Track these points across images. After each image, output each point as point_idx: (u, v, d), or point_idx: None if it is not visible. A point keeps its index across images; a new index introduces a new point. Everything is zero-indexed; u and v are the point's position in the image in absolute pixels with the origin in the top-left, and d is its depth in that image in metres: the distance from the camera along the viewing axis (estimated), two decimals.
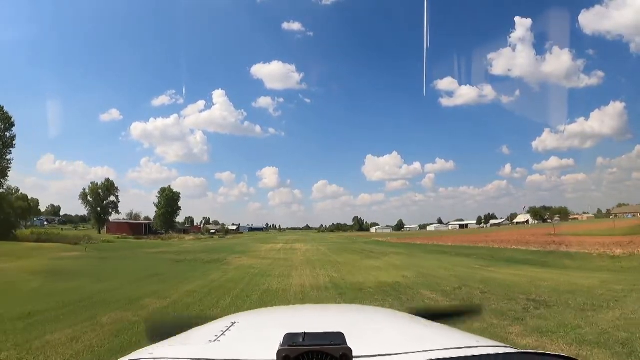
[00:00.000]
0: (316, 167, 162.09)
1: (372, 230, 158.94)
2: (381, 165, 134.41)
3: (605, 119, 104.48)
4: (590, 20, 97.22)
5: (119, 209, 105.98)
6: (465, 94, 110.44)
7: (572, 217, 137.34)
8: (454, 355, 1.10)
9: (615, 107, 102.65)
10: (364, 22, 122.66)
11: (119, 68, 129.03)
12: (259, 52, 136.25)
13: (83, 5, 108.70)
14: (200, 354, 1.21)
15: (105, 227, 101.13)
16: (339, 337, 0.96)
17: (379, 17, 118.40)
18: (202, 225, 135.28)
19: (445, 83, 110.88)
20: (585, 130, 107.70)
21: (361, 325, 1.78)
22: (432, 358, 1.08)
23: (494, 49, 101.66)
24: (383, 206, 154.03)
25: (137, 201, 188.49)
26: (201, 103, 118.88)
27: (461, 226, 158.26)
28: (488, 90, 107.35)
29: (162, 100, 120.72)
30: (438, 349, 1.15)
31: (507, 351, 1.19)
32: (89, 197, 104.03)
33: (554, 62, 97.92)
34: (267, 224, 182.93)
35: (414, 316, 2.13)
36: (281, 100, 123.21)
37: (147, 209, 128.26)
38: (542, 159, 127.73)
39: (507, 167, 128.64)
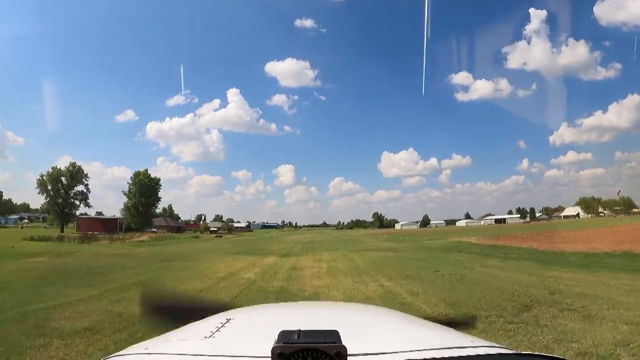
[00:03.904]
0: (332, 164, 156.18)
1: (397, 226, 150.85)
2: (397, 162, 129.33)
3: (623, 112, 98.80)
4: (605, 11, 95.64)
5: (88, 201, 79.52)
6: (481, 88, 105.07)
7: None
8: (449, 355, 1.05)
9: (633, 100, 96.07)
10: (376, 17, 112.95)
11: (133, 69, 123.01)
12: (272, 50, 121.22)
13: (96, 8, 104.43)
14: (195, 350, 1.15)
15: (75, 223, 77.34)
16: (333, 335, 0.90)
17: (391, 11, 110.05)
18: (202, 223, 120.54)
19: (461, 77, 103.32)
20: (603, 124, 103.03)
21: (356, 324, 1.66)
22: (427, 357, 1.02)
23: (508, 42, 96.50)
24: (399, 203, 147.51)
25: None
26: (216, 102, 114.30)
27: (497, 221, 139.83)
28: (504, 84, 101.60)
29: (176, 100, 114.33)
30: (433, 349, 1.10)
31: (503, 352, 1.14)
32: (48, 186, 72.33)
33: (570, 55, 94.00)
34: (283, 222, 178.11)
35: (409, 315, 2.09)
36: (296, 97, 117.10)
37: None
38: (559, 154, 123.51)
39: (524, 162, 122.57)
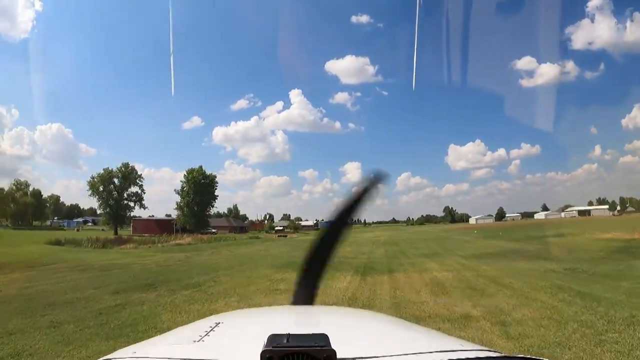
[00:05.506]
0: (398, 159, 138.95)
1: (472, 220, 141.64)
2: (464, 154, 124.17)
3: None
4: None
5: (144, 202, 74.08)
6: (546, 72, 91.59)
7: None
8: (438, 359, 1.02)
9: None
10: (430, 8, 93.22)
11: (196, 76, 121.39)
12: (331, 48, 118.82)
13: (156, 19, 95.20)
14: (184, 354, 1.10)
15: (131, 225, 72.68)
16: (323, 339, 0.88)
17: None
18: (266, 222, 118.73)
19: (524, 62, 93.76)
20: None
21: (345, 328, 1.55)
22: None
23: (571, 22, 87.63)
24: (468, 196, 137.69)
25: (221, 202, 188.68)
26: (279, 104, 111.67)
27: (580, 213, 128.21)
28: (570, 67, 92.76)
29: (240, 104, 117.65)
30: (422, 352, 1.07)
31: (491, 355, 1.08)
32: (99, 188, 67.58)
33: (637, 30, 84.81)
34: (352, 219, 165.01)
35: (398, 319, 2.04)
36: (358, 94, 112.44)
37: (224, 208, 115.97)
38: (633, 138, 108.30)
39: (597, 149, 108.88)
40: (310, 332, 0.89)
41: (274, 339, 0.85)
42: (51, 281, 12.87)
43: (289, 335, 0.86)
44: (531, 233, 37.73)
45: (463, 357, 1.00)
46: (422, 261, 17.09)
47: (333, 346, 0.83)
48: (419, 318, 7.61)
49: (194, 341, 1.18)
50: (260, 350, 0.82)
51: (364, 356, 0.96)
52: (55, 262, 18.80)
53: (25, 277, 14.21)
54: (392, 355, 0.99)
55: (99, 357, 1.08)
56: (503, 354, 1.05)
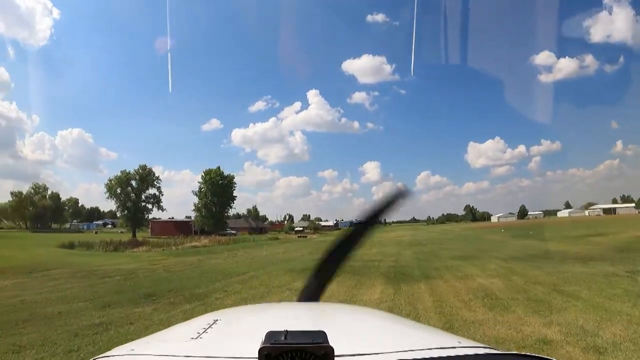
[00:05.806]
0: (417, 158, 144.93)
1: (493, 219, 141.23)
2: (484, 152, 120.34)
3: None
4: None
5: (161, 204, 72.81)
6: (565, 67, 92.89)
7: None
8: (436, 355, 1.01)
9: None
10: (443, 4, 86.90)
11: (214, 80, 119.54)
12: (347, 48, 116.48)
13: (174, 22, 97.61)
14: (182, 351, 1.09)
15: (150, 227, 72.73)
16: (320, 336, 0.88)
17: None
18: (285, 223, 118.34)
19: (542, 57, 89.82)
20: None
21: (343, 325, 1.58)
22: (414, 358, 1.00)
23: (589, 15, 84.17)
24: (489, 194, 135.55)
25: (241, 203, 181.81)
26: (297, 104, 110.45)
27: (605, 211, 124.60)
28: (589, 60, 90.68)
29: (258, 106, 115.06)
30: (420, 349, 1.06)
31: (489, 352, 1.09)
32: (117, 190, 67.39)
33: None
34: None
35: (396, 316, 2.10)
36: (376, 93, 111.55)
37: (244, 209, 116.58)
38: None
39: (619, 145, 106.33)
40: (309, 329, 0.88)
41: (272, 335, 0.85)
42: (42, 290, 11.52)
43: (286, 332, 0.85)
44: (566, 232, 35.35)
45: (461, 354, 1.01)
46: (458, 265, 15.16)
47: (331, 343, 0.83)
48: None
49: (192, 338, 1.17)
50: (258, 347, 0.82)
51: (361, 353, 0.96)
52: (57, 267, 17.54)
53: (19, 284, 12.96)
54: (390, 352, 0.99)
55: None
56: (501, 351, 1.06)
